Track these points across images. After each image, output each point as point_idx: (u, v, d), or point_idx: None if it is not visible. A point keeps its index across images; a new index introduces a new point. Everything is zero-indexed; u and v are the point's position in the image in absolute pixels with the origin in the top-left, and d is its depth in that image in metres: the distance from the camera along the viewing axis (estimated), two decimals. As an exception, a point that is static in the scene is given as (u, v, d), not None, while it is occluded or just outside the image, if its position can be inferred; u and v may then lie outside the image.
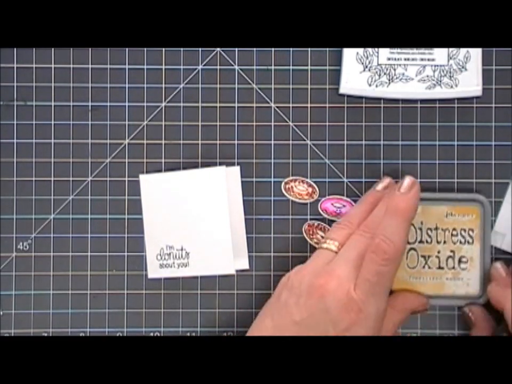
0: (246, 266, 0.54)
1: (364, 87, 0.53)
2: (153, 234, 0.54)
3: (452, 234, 0.53)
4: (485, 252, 0.53)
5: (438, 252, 0.53)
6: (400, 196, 0.47)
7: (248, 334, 0.49)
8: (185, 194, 0.54)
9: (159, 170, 0.55)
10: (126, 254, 0.54)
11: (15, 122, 0.55)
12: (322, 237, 0.54)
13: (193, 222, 0.54)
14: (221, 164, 0.54)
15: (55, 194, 0.55)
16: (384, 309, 0.47)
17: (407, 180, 0.48)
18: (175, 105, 0.55)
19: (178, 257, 0.54)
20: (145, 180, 0.54)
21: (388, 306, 0.49)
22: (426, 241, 0.53)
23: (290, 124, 0.55)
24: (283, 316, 0.47)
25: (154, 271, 0.54)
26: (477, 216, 0.53)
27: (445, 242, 0.53)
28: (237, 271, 0.54)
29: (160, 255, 0.54)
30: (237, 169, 0.54)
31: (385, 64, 0.53)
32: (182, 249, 0.54)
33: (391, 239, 0.46)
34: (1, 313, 0.54)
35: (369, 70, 0.53)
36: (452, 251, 0.53)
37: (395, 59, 0.53)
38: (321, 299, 0.46)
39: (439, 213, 0.53)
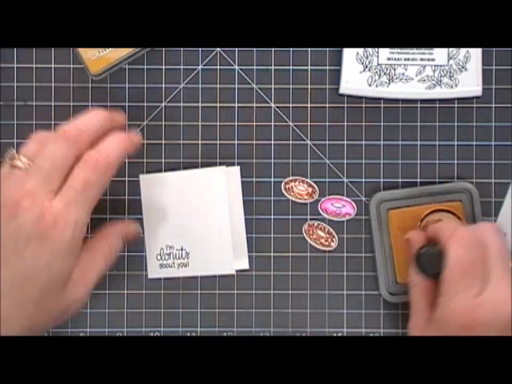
0: (246, 266, 0.54)
1: (364, 87, 0.53)
2: (153, 234, 0.54)
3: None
4: None
5: None
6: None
7: None
8: (185, 194, 0.54)
9: (159, 170, 0.55)
10: (126, 254, 0.54)
11: (15, 122, 0.55)
12: (319, 236, 0.55)
13: (193, 222, 0.54)
14: (221, 163, 0.54)
15: (55, 194, 0.54)
16: (84, 224, 0.45)
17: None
18: (175, 105, 0.55)
19: (178, 257, 0.54)
20: (145, 180, 0.54)
21: (98, 236, 0.49)
22: None
23: (290, 123, 0.55)
24: None
25: (154, 271, 0.54)
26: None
27: None
28: (237, 271, 0.54)
29: (160, 255, 0.54)
30: (236, 169, 0.54)
31: (385, 64, 0.53)
32: (182, 249, 0.54)
33: (107, 152, 0.46)
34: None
35: (369, 70, 0.53)
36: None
37: (395, 59, 0.53)
38: (14, 219, 0.43)
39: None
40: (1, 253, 0.44)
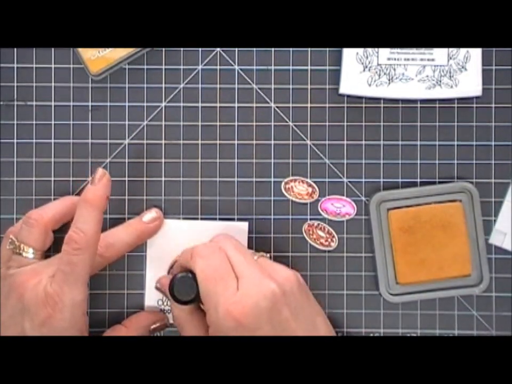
0: None
1: (364, 87, 0.53)
2: (156, 279, 0.54)
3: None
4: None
5: None
6: (89, 187, 0.49)
7: None
8: (194, 244, 0.53)
9: (159, 171, 0.54)
10: (126, 254, 0.54)
11: (15, 122, 0.55)
12: (322, 237, 0.54)
13: None
14: (220, 163, 0.54)
15: (55, 194, 0.55)
16: (82, 300, 0.47)
17: (98, 172, 0.49)
18: (175, 105, 0.55)
19: None
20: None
21: (122, 326, 0.52)
22: None
23: (290, 123, 0.55)
24: None
25: None
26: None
27: None
28: None
29: (162, 300, 0.54)
30: (245, 224, 0.54)
31: (385, 64, 0.53)
32: None
33: (82, 229, 0.47)
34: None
35: (369, 70, 0.53)
36: None
37: (395, 59, 0.53)
38: (20, 298, 0.47)
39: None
40: (4, 332, 0.48)
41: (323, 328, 0.48)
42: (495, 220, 0.54)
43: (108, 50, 0.53)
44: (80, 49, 0.53)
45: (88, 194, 0.48)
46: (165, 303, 0.54)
